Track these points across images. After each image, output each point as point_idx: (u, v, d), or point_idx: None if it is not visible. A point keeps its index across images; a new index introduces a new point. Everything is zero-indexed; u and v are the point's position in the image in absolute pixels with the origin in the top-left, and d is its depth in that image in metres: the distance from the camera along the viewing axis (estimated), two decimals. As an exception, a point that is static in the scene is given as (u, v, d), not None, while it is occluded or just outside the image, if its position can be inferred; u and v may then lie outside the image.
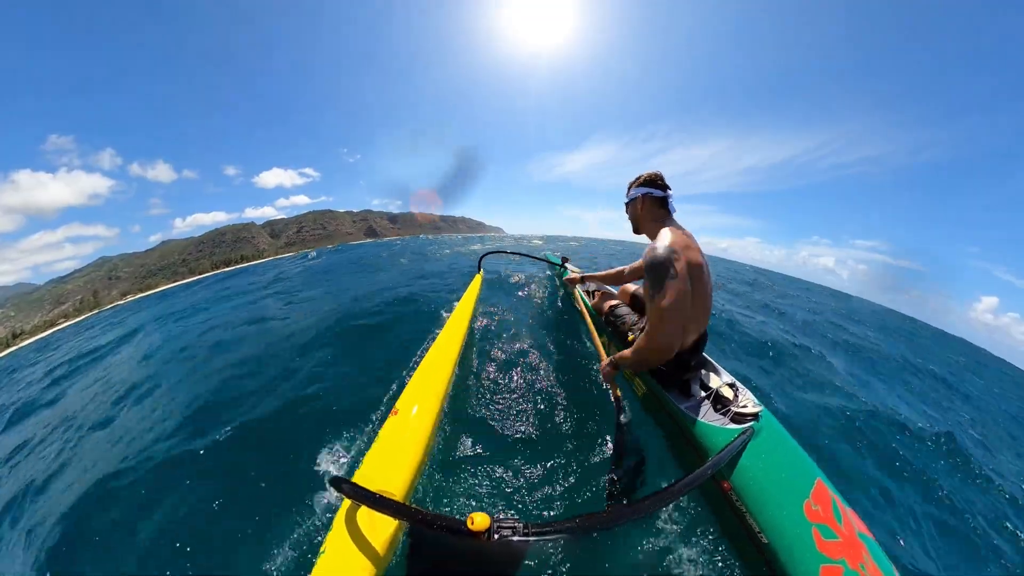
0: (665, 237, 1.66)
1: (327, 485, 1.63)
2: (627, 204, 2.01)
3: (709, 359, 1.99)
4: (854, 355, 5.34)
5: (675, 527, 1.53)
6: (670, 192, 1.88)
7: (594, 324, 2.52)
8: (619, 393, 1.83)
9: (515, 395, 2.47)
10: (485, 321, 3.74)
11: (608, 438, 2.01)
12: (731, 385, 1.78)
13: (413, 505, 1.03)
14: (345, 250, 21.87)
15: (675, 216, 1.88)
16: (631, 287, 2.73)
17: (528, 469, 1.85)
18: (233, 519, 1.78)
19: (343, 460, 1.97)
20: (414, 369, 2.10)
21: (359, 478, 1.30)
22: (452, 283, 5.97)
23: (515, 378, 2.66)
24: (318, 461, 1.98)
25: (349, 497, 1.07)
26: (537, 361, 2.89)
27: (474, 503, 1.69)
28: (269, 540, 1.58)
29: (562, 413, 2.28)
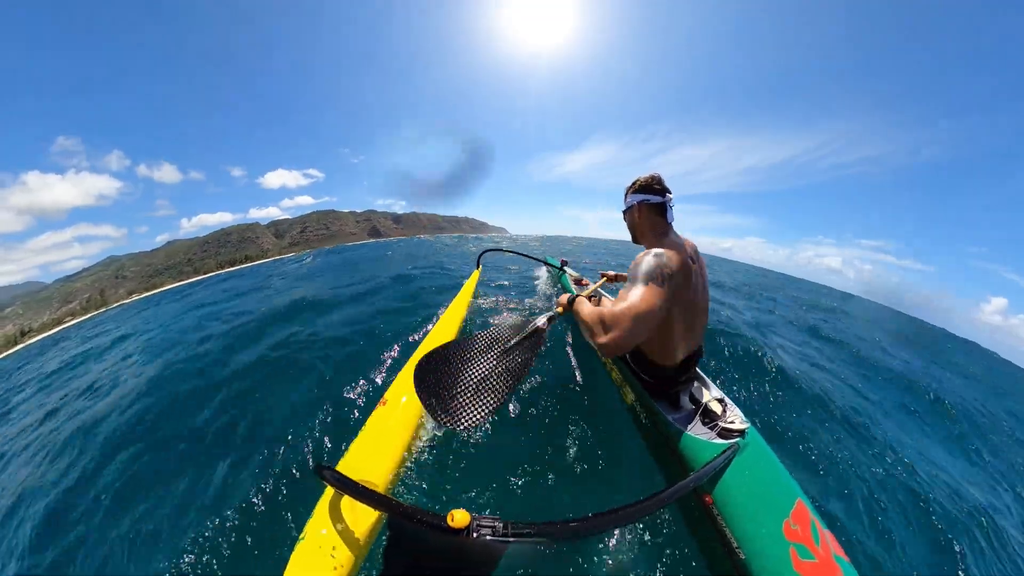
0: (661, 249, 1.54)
1: (311, 472, 1.66)
2: (624, 212, 1.89)
3: (700, 373, 1.99)
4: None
5: (655, 538, 1.55)
6: (669, 196, 1.72)
7: None
8: (560, 313, 1.88)
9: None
10: (480, 317, 3.78)
11: (593, 443, 2.02)
12: (720, 400, 1.78)
13: (394, 498, 1.04)
14: (343, 251, 22.21)
15: (675, 223, 1.75)
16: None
17: (512, 469, 1.86)
18: (211, 501, 1.85)
19: (328, 447, 2.00)
20: (406, 361, 2.10)
21: (343, 467, 1.31)
22: (452, 282, 6.01)
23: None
24: (302, 448, 2.02)
25: (332, 485, 1.07)
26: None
27: (455, 500, 1.70)
28: (248, 524, 1.63)
29: (551, 416, 2.29)
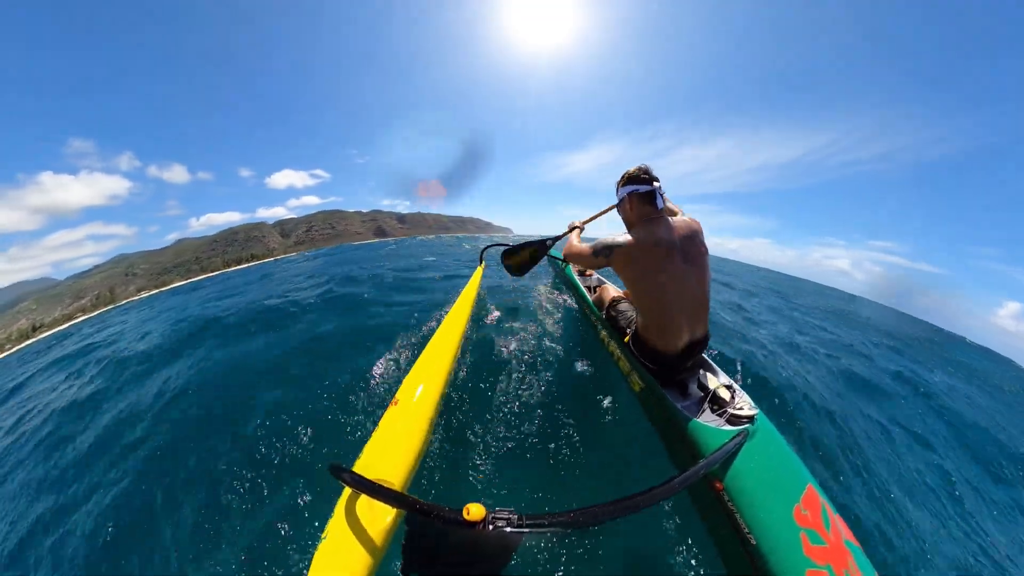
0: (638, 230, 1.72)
1: (328, 473, 1.71)
2: (617, 208, 1.96)
3: (708, 360, 1.99)
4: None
5: (666, 524, 1.54)
6: (657, 184, 1.77)
7: (595, 318, 2.55)
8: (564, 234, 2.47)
9: (514, 387, 2.49)
10: (486, 313, 3.78)
11: (603, 433, 2.02)
12: (728, 387, 1.77)
13: (410, 495, 1.06)
14: (346, 250, 22.47)
15: (670, 204, 1.89)
16: None
17: (525, 462, 1.88)
18: (241, 504, 1.86)
19: (344, 449, 2.01)
20: (414, 360, 2.12)
21: (359, 467, 1.33)
22: (451, 278, 6.02)
23: (515, 371, 2.68)
24: (321, 450, 2.03)
25: (348, 485, 1.09)
26: (537, 354, 2.92)
27: (471, 494, 1.72)
28: (274, 524, 1.66)
29: (561, 407, 2.29)
